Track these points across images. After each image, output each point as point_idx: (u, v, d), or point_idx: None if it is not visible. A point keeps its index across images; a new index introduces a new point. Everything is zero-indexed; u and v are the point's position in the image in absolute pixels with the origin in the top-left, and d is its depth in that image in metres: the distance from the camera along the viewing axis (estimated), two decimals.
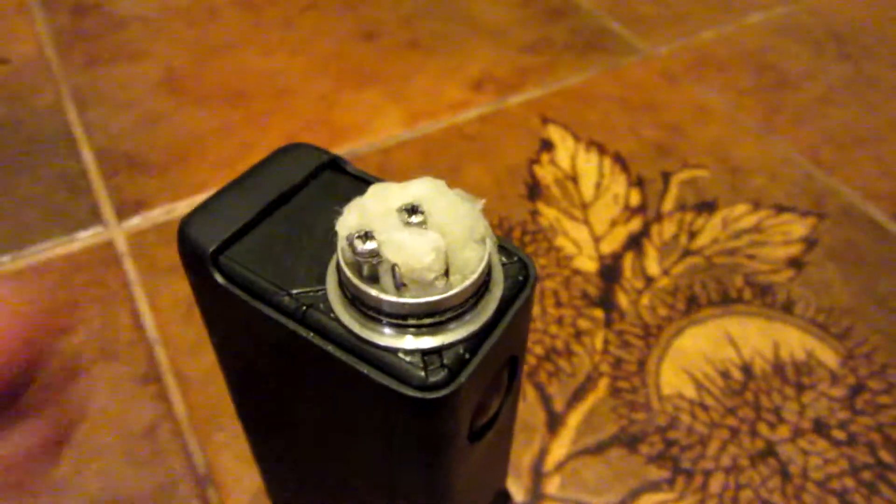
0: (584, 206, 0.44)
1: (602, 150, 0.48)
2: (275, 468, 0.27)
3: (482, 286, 0.18)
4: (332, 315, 0.18)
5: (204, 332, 0.22)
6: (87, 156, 0.46)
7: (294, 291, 0.18)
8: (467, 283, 0.17)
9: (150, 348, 0.37)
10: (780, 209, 0.44)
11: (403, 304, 0.17)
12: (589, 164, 0.47)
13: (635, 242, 0.42)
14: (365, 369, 0.17)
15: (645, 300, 0.39)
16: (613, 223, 0.43)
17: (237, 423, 0.26)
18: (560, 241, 0.42)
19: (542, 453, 0.33)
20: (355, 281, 0.17)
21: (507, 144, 0.48)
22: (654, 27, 0.58)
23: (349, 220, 0.17)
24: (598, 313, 0.39)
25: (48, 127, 0.48)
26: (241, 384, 0.23)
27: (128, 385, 0.35)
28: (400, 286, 0.16)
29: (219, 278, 0.19)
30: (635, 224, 0.43)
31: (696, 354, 0.37)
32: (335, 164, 0.22)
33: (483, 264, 0.17)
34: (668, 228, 0.43)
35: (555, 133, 0.49)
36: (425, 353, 0.17)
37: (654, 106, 0.51)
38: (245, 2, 0.60)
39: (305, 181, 0.21)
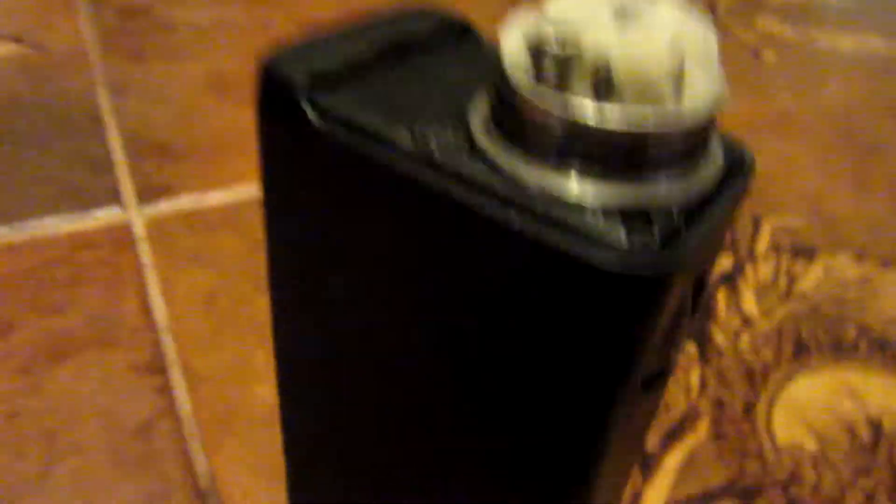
0: None
1: None
2: (318, 454, 0.20)
3: (709, 129, 0.12)
4: (482, 154, 0.12)
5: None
6: (115, 140, 0.42)
7: (422, 128, 0.13)
8: (706, 106, 0.11)
9: (156, 337, 0.31)
10: (887, 263, 0.39)
11: (609, 130, 0.11)
12: None
13: (728, 280, 0.36)
14: (535, 228, 0.11)
15: (744, 341, 0.33)
16: None
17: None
18: None
19: (635, 498, 0.26)
20: (530, 91, 0.11)
21: None
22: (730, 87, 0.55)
23: (528, 19, 0.12)
24: (691, 348, 0.32)
25: (77, 109, 0.44)
26: (302, 306, 0.17)
27: (124, 374, 0.29)
28: (607, 97, 0.11)
29: (313, 118, 0.13)
30: (726, 262, 0.38)
31: (814, 403, 0.31)
32: (471, 31, 0.17)
33: (717, 95, 0.12)
34: (763, 271, 0.37)
35: None
36: (627, 213, 0.11)
37: None
38: (301, 20, 0.57)
39: (435, 39, 0.16)
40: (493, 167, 0.12)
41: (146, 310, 0.32)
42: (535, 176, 0.12)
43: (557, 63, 0.11)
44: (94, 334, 0.31)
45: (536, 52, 0.11)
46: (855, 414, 0.30)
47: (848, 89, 0.56)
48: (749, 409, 0.30)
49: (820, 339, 0.34)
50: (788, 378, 0.32)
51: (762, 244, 0.39)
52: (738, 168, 0.13)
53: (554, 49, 0.11)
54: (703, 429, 0.29)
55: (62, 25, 0.52)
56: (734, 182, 0.13)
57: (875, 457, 0.29)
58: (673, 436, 0.28)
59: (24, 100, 0.44)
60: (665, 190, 0.11)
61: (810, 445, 0.29)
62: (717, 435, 0.29)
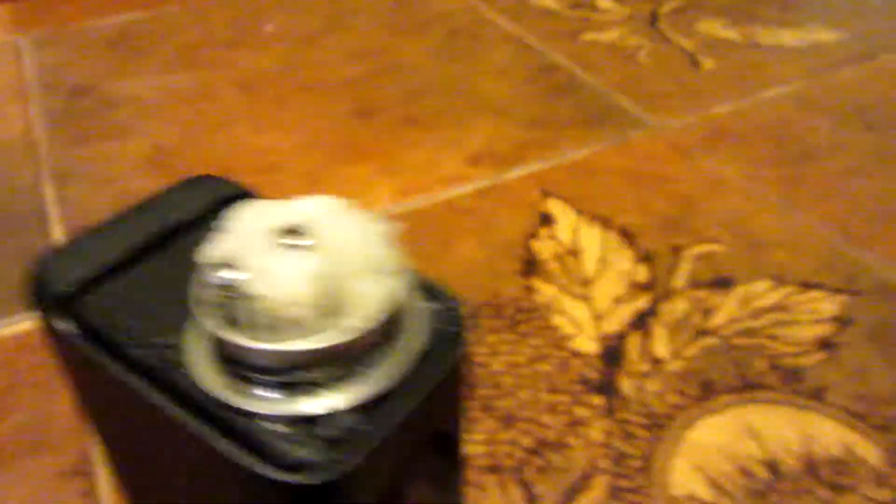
0: (586, 283, 0.40)
1: (607, 224, 0.44)
2: None
3: (385, 334, 0.13)
4: (188, 371, 0.14)
5: None
6: (58, 232, 0.44)
7: (151, 342, 0.14)
8: (358, 326, 0.13)
9: (83, 440, 0.33)
10: (807, 286, 0.39)
11: (267, 351, 0.13)
12: (592, 239, 0.43)
13: (642, 322, 0.37)
14: (219, 442, 0.13)
15: (652, 386, 0.34)
16: (617, 301, 0.39)
17: None
18: (557, 320, 0.38)
19: None
20: (212, 325, 0.13)
21: (504, 219, 0.44)
22: (665, 102, 0.55)
23: (215, 245, 0.14)
24: (598, 400, 0.34)
25: (23, 205, 0.46)
26: (112, 449, 0.19)
27: (52, 480, 0.31)
28: (264, 327, 0.13)
29: (60, 326, 0.15)
30: (642, 302, 0.39)
31: (712, 449, 0.32)
32: (245, 198, 0.18)
33: (385, 305, 0.13)
34: (679, 306, 0.38)
35: (555, 207, 0.45)
36: (300, 420, 0.13)
37: (664, 179, 0.47)
38: (243, 83, 0.59)
39: (203, 215, 0.17)
40: (196, 380, 0.13)
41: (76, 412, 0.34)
42: (229, 391, 0.13)
43: (230, 302, 0.13)
44: (25, 441, 0.33)
45: (210, 288, 0.13)
46: (753, 456, 0.31)
47: (786, 89, 0.57)
48: (648, 460, 0.31)
49: (727, 376, 0.35)
50: (691, 423, 0.33)
51: (680, 279, 0.40)
52: (454, 332, 0.14)
53: (220, 287, 0.13)
54: (600, 486, 0.30)
55: (13, 112, 0.54)
56: (447, 351, 0.14)
57: (768, 500, 0.30)
58: (570, 496, 0.30)
59: None
60: (342, 395, 0.13)
61: (705, 494, 0.30)
62: (614, 491, 0.30)
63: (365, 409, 0.13)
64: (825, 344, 0.36)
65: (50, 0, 0.73)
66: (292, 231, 0.13)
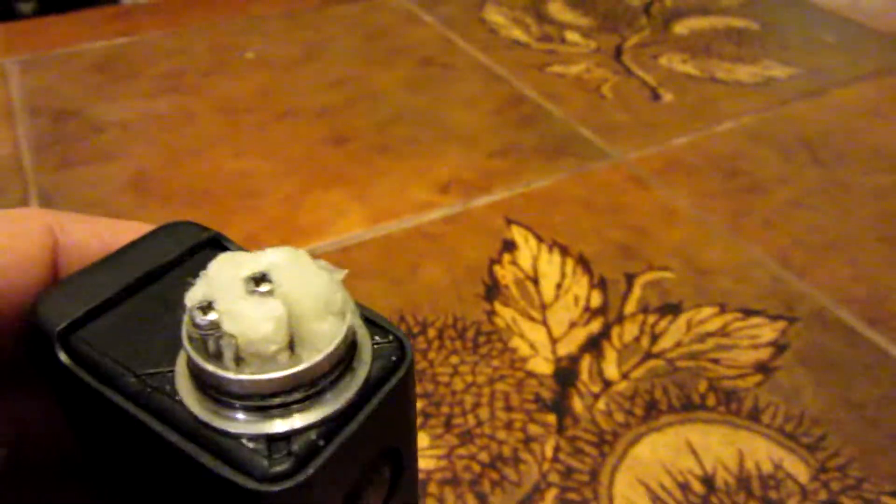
0: (543, 307, 0.42)
1: (565, 251, 0.46)
2: None
3: (339, 364, 0.16)
4: (177, 398, 0.16)
5: None
6: None
7: (142, 372, 0.17)
8: (316, 358, 0.15)
9: None
10: (748, 312, 0.42)
11: (241, 381, 0.15)
12: (551, 265, 0.45)
13: (594, 345, 0.40)
14: (204, 458, 0.15)
15: (601, 405, 0.37)
16: (572, 324, 0.41)
17: None
18: (515, 343, 0.40)
19: None
20: (194, 357, 0.15)
21: (469, 245, 0.47)
22: (625, 134, 0.58)
23: (195, 290, 0.16)
24: (551, 418, 0.36)
25: None
26: (99, 466, 0.21)
27: None
28: (238, 360, 0.15)
29: (63, 359, 0.17)
30: (595, 326, 0.41)
31: (654, 464, 0.34)
32: (216, 242, 0.21)
33: (337, 339, 0.15)
34: (629, 330, 0.41)
35: (518, 234, 0.48)
36: (272, 438, 0.15)
37: (621, 208, 0.50)
38: (223, 108, 0.61)
39: (180, 259, 0.20)
40: (182, 405, 0.16)
41: None
42: (210, 414, 0.15)
43: (212, 339, 0.15)
44: None
45: (194, 327, 0.15)
46: (691, 471, 0.34)
47: (739, 123, 0.60)
48: (595, 475, 0.34)
49: (671, 397, 0.37)
50: (636, 440, 0.35)
51: (631, 304, 0.43)
52: (398, 360, 0.17)
53: (203, 327, 0.15)
54: (549, 498, 0.33)
55: (1, 134, 0.56)
56: (392, 376, 0.16)
57: None
58: None
59: None
60: (306, 416, 0.15)
61: None
62: (563, 502, 0.32)
63: (320, 427, 0.16)
64: (762, 367, 0.39)
65: (36, 24, 0.75)
66: (259, 279, 0.15)
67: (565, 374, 0.38)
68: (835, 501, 0.33)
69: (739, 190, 0.53)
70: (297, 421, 0.15)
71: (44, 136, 0.56)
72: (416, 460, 0.20)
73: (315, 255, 0.42)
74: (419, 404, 0.37)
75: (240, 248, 0.21)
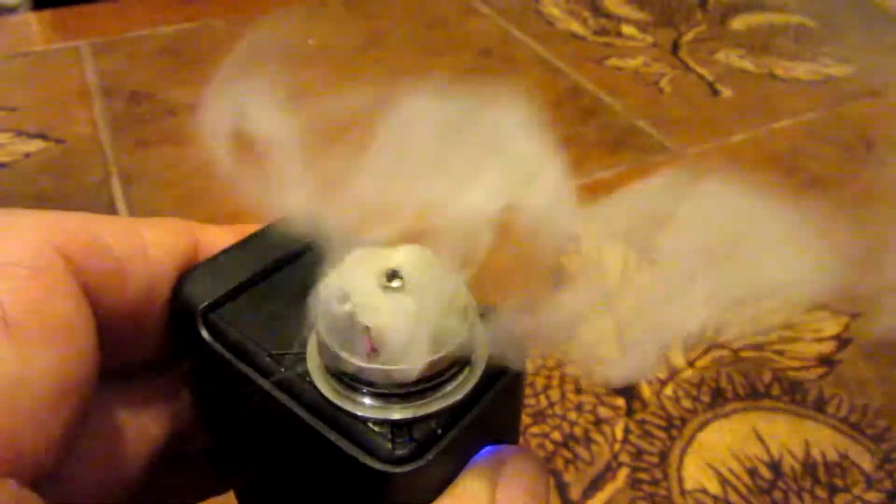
0: (609, 296, 0.44)
1: (629, 241, 0.48)
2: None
3: (461, 360, 0.17)
4: (308, 379, 0.18)
5: None
6: None
7: (276, 353, 0.18)
8: (441, 353, 0.17)
9: None
10: (812, 307, 0.43)
11: (373, 370, 0.16)
12: (614, 255, 0.46)
13: None
14: (332, 437, 0.17)
15: (668, 391, 0.38)
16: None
17: None
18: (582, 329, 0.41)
19: None
20: (328, 344, 0.17)
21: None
22: (685, 129, 0.59)
23: (330, 282, 0.17)
24: (620, 402, 0.37)
25: (94, 202, 0.50)
26: (221, 441, 0.23)
27: None
28: (371, 352, 0.16)
29: (205, 335, 0.19)
30: None
31: (722, 449, 0.35)
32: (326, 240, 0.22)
33: (460, 337, 0.17)
34: None
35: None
36: (395, 424, 0.17)
37: None
38: (289, 96, 0.62)
39: (303, 250, 0.21)
40: (314, 386, 0.17)
41: None
42: (339, 397, 0.17)
43: (345, 328, 0.17)
44: None
45: (330, 316, 0.17)
46: (758, 457, 0.35)
47: (798, 120, 0.60)
48: (664, 456, 0.35)
49: (736, 386, 0.38)
50: (703, 426, 0.36)
51: None
52: (505, 370, 0.18)
53: (339, 317, 0.16)
54: (621, 477, 0.34)
55: (80, 116, 0.58)
56: (504, 375, 0.18)
57: (772, 496, 0.33)
58: (595, 486, 0.34)
59: (49, 195, 0.51)
60: (427, 406, 0.17)
61: (714, 489, 0.34)
62: (634, 482, 0.34)
63: (442, 417, 0.17)
64: (826, 360, 0.40)
65: (105, 8, 0.77)
66: (391, 275, 0.17)
67: None
68: None
69: (800, 186, 0.53)
70: (419, 410, 0.17)
71: (119, 118, 0.59)
72: None
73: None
74: None
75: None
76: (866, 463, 0.35)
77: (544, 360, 0.40)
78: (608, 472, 0.34)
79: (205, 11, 0.76)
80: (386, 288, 0.17)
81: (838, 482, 0.34)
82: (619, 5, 0.79)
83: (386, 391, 0.17)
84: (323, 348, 0.17)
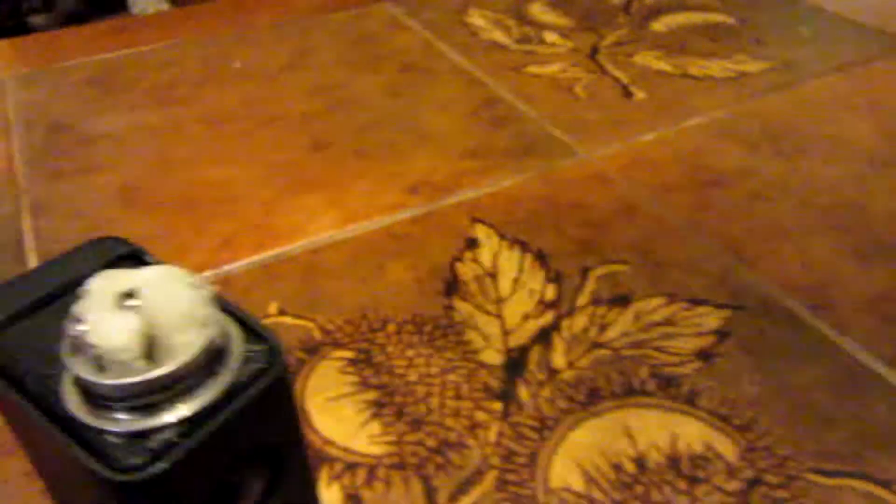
0: (500, 302, 0.45)
1: (525, 247, 0.49)
2: None
3: (200, 370, 0.18)
4: (59, 396, 0.19)
5: None
6: (33, 261, 0.49)
7: (42, 374, 0.19)
8: (170, 366, 0.18)
9: None
10: (696, 302, 0.44)
11: (103, 385, 0.17)
12: (510, 262, 0.47)
13: (544, 336, 0.42)
14: (75, 449, 0.18)
15: (546, 392, 0.39)
16: (526, 317, 0.43)
17: None
18: (470, 336, 0.42)
19: None
20: (67, 362, 0.18)
21: (434, 244, 0.49)
22: (595, 133, 0.60)
23: (77, 304, 0.18)
24: (497, 406, 0.38)
25: (4, 235, 0.51)
26: (33, 459, 0.24)
27: (19, 478, 0.36)
28: (103, 367, 0.17)
29: None
30: (547, 318, 0.43)
31: (591, 447, 0.36)
32: (136, 256, 0.23)
33: (195, 349, 0.18)
34: (578, 322, 0.43)
35: (481, 232, 0.50)
36: (133, 435, 0.18)
37: (583, 205, 0.52)
38: (210, 118, 0.64)
39: (94, 272, 0.22)
40: (63, 402, 0.18)
41: None
42: (83, 412, 0.18)
43: (83, 346, 0.18)
44: None
45: (72, 338, 0.18)
46: (625, 453, 0.36)
47: (707, 118, 0.61)
48: (534, 457, 0.36)
49: (613, 384, 0.39)
50: (575, 425, 0.37)
51: (584, 297, 0.45)
52: (267, 367, 0.19)
53: (74, 336, 0.17)
54: (489, 479, 0.35)
55: None
56: (256, 382, 0.19)
57: (633, 491, 0.34)
58: (462, 489, 0.34)
59: None
60: (166, 416, 0.18)
61: (578, 486, 0.34)
62: (501, 484, 0.35)
63: (178, 427, 0.18)
64: (703, 354, 0.41)
65: (38, 39, 0.78)
66: (128, 294, 0.18)
67: (514, 365, 0.41)
68: (759, 478, 0.35)
69: (701, 184, 0.54)
70: (155, 420, 0.18)
71: (37, 149, 0.60)
72: (304, 461, 0.23)
73: (286, 258, 0.45)
74: (373, 395, 0.39)
75: (159, 262, 0.23)
76: (730, 453, 0.36)
77: (428, 368, 0.40)
78: (477, 475, 0.35)
79: (137, 38, 0.78)
80: (122, 307, 0.18)
81: (700, 473, 0.35)
82: (544, 13, 0.80)
83: (131, 404, 0.18)
84: (68, 367, 0.18)
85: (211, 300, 0.18)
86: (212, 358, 0.18)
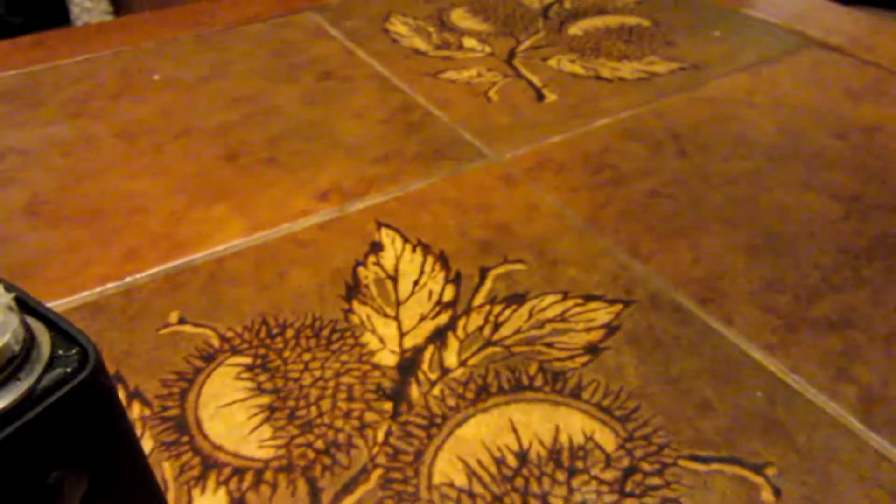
0: (398, 304, 0.45)
1: (427, 249, 0.49)
2: None
3: None
4: None
5: None
6: None
7: None
8: None
9: None
10: (589, 298, 0.45)
11: None
12: (412, 264, 0.48)
13: (439, 336, 0.43)
14: None
15: (436, 391, 0.40)
16: (422, 318, 0.44)
17: None
18: (366, 338, 0.43)
19: None
20: None
21: (339, 249, 0.50)
22: (505, 136, 0.61)
23: None
24: (388, 406, 0.39)
25: None
26: None
27: None
28: None
29: None
30: (443, 318, 0.44)
31: (476, 443, 0.37)
32: None
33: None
34: (474, 321, 0.44)
35: (386, 236, 0.51)
36: None
37: (488, 207, 0.53)
38: (124, 131, 0.64)
39: None
40: None
41: None
42: None
43: None
44: None
45: None
46: (508, 447, 0.37)
47: (614, 119, 0.63)
48: (419, 455, 0.37)
49: (502, 381, 0.40)
50: (462, 422, 0.38)
51: (480, 296, 0.46)
52: (74, 373, 0.19)
53: None
54: (374, 478, 0.36)
55: None
56: (60, 389, 0.19)
57: (513, 483, 0.35)
58: (347, 489, 0.35)
59: None
60: None
61: (460, 481, 0.35)
62: (385, 482, 0.35)
63: None
64: (591, 349, 0.42)
65: None
66: None
67: (407, 365, 0.41)
68: (635, 467, 0.36)
69: (602, 184, 0.56)
70: None
71: None
72: (131, 470, 0.23)
73: (190, 267, 0.46)
74: (267, 399, 0.39)
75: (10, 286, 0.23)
76: (609, 443, 0.37)
77: (323, 371, 0.41)
78: (362, 474, 0.36)
79: (54, 53, 0.77)
80: None
81: (580, 464, 0.36)
82: (464, 19, 0.81)
83: None
84: None
85: (9, 307, 0.19)
86: (11, 364, 0.19)
